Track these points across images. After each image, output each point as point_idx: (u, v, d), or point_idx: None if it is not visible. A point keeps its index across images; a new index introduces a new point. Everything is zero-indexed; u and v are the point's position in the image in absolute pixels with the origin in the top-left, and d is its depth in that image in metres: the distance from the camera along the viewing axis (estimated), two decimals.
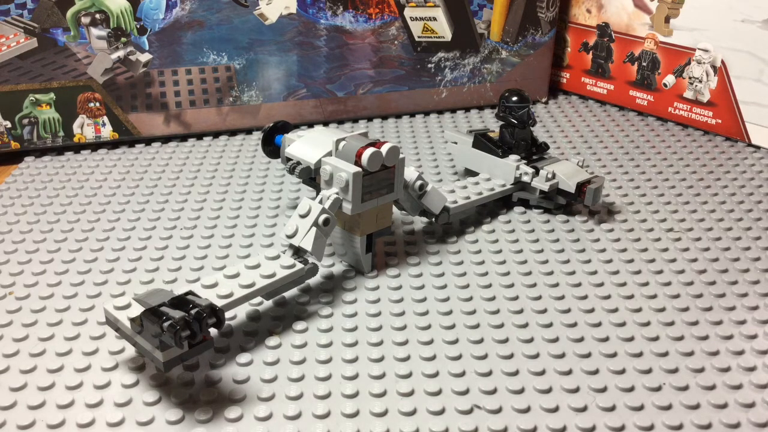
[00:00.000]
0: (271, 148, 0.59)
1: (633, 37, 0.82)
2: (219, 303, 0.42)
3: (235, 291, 0.43)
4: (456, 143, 0.65)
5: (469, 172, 0.66)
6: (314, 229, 0.47)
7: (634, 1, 0.81)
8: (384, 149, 0.48)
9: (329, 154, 0.50)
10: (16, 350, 0.44)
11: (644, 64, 0.82)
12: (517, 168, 0.59)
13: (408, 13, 0.78)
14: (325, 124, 0.79)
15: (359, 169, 0.47)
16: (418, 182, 0.53)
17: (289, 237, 0.47)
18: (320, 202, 0.47)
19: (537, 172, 0.59)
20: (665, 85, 0.80)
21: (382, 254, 0.54)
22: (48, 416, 0.39)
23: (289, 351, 0.44)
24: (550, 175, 0.59)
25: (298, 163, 0.51)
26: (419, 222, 0.59)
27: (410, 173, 0.53)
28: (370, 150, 0.47)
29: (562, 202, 0.60)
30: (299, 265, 0.46)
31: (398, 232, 0.58)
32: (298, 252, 0.47)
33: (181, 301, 0.38)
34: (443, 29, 0.80)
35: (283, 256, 0.47)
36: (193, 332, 0.37)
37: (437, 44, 0.81)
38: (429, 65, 0.81)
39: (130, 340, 0.40)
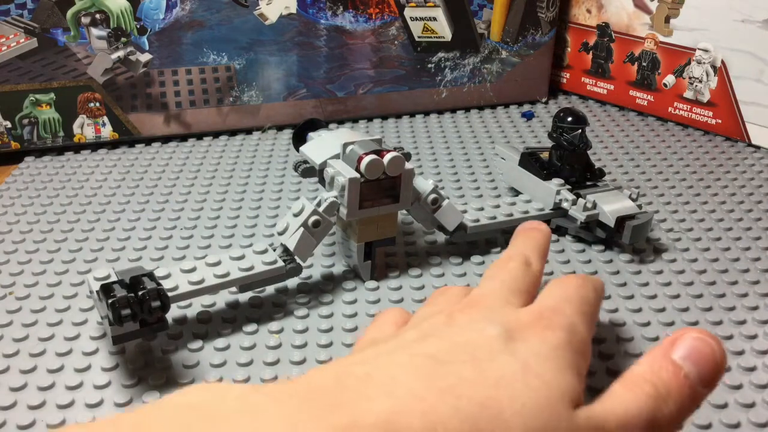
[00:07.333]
0: (302, 144, 0.58)
1: (633, 37, 0.82)
2: (189, 288, 0.43)
3: (208, 278, 0.44)
4: (504, 159, 0.62)
5: (516, 192, 0.61)
6: (302, 229, 0.46)
7: (634, 1, 0.81)
8: (386, 158, 0.46)
9: (338, 156, 0.49)
10: (16, 350, 0.44)
11: (644, 64, 0.82)
12: (558, 193, 0.55)
13: (408, 13, 0.78)
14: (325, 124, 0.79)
15: (357, 175, 0.46)
16: (432, 196, 0.50)
17: (280, 234, 0.47)
18: (318, 204, 0.47)
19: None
20: (665, 85, 0.80)
21: (382, 254, 0.54)
22: (48, 416, 0.39)
23: (289, 351, 0.44)
24: (590, 205, 0.53)
25: (305, 161, 0.51)
26: (419, 226, 0.59)
27: (425, 185, 0.50)
28: (370, 157, 0.46)
29: (602, 236, 0.54)
30: (280, 263, 0.46)
31: (399, 237, 0.57)
32: (287, 250, 0.47)
33: (137, 282, 0.40)
34: (443, 29, 0.80)
35: (270, 251, 0.47)
36: (133, 312, 0.38)
37: (437, 44, 0.81)
38: (429, 65, 0.81)
39: (100, 312, 0.41)
